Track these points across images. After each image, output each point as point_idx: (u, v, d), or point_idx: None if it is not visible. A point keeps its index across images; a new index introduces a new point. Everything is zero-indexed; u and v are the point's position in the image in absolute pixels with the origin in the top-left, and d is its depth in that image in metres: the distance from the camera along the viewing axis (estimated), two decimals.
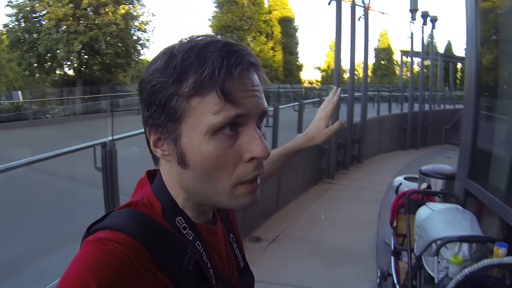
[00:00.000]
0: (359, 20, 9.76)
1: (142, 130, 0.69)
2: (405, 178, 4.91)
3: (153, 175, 0.74)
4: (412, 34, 14.51)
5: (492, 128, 3.58)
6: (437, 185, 4.27)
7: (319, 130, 1.06)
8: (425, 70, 16.55)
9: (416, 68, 23.58)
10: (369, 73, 40.15)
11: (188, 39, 0.63)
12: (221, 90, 0.58)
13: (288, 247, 4.61)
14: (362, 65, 11.45)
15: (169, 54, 0.61)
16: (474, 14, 3.47)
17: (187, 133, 0.62)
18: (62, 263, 0.70)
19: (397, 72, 37.03)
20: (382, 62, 42.58)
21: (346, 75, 13.92)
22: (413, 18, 14.05)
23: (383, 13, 15.70)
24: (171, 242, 0.65)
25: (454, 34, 74.27)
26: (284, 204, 5.98)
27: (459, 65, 28.34)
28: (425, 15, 14.71)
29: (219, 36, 0.64)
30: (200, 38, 0.62)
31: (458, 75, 31.24)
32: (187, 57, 0.59)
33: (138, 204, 0.68)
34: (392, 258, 3.33)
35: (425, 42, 15.75)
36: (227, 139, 0.61)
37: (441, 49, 39.50)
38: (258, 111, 0.63)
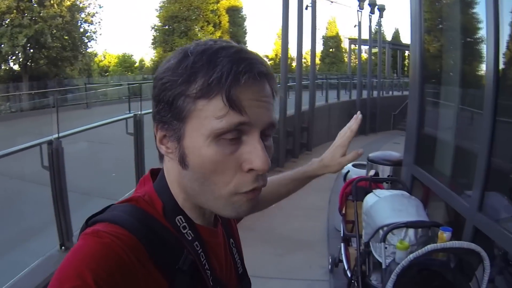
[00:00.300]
0: (306, 9, 9.79)
1: (90, 125, 0.66)
2: (353, 165, 4.95)
3: (156, 174, 0.74)
4: (359, 22, 14.81)
5: (437, 115, 3.68)
6: (385, 171, 4.34)
7: (334, 158, 1.02)
8: (373, 58, 16.96)
9: (364, 55, 24.15)
10: (318, 61, 40.73)
11: (204, 42, 0.63)
12: (226, 95, 0.57)
13: None
14: (310, 53, 11.53)
15: (183, 54, 0.61)
16: (418, 3, 3.53)
17: (190, 134, 0.61)
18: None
19: (346, 60, 37.79)
20: (331, 50, 43.07)
21: (294, 63, 13.95)
22: (361, 7, 14.34)
23: (331, 2, 15.77)
24: (169, 240, 0.65)
25: (401, 22, 76.75)
26: None
27: (406, 53, 29.34)
28: (372, 4, 15.06)
29: (234, 43, 0.63)
30: (215, 42, 0.62)
31: (406, 62, 32.28)
32: (198, 59, 0.59)
33: (139, 200, 0.68)
34: (342, 244, 3.36)
35: (373, 30, 16.14)
36: (228, 145, 0.60)
37: (389, 37, 40.82)
38: (264, 122, 0.62)
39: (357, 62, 16.77)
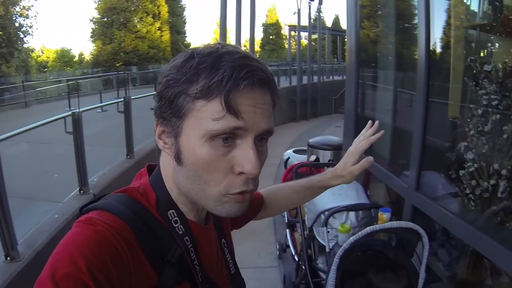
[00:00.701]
0: None
1: (26, 127, 0.55)
2: (294, 151, 5.01)
3: (152, 169, 0.75)
4: (299, 9, 14.94)
5: (374, 98, 3.77)
6: (325, 156, 4.40)
7: (346, 167, 0.98)
8: (313, 44, 17.18)
9: (305, 42, 24.49)
10: (258, 48, 40.80)
11: (213, 44, 0.64)
12: (225, 99, 0.58)
13: None
14: (249, 41, 11.47)
15: (189, 54, 0.63)
16: None
17: (187, 132, 0.63)
18: None
19: (286, 47, 38.10)
20: (271, 37, 43.25)
21: None
22: None
23: None
24: (159, 232, 0.67)
25: (341, 8, 78.80)
26: None
27: (346, 38, 30.17)
28: None
29: (241, 49, 0.65)
30: (223, 46, 0.63)
31: (346, 48, 33.26)
32: (203, 61, 0.60)
33: (133, 191, 0.70)
34: (288, 230, 3.38)
35: (313, 17, 16.35)
36: (221, 147, 0.62)
37: (329, 23, 41.65)
38: (259, 128, 0.63)
39: (297, 48, 16.91)
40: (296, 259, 3.00)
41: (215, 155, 0.61)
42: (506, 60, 1.98)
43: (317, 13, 17.17)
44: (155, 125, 0.68)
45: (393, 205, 2.67)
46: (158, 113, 0.66)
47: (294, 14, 15.45)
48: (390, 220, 2.15)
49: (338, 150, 4.19)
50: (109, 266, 0.56)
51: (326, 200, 2.53)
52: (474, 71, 2.10)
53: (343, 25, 33.82)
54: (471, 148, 2.06)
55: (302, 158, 4.66)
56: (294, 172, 3.10)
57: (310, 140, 4.50)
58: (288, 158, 4.39)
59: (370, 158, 0.95)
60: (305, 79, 14.91)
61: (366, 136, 1.00)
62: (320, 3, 16.07)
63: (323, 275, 2.43)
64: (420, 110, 2.34)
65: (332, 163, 3.74)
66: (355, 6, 3.61)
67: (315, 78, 15.96)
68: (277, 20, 43.46)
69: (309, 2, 15.27)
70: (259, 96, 0.62)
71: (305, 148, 4.97)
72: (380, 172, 2.94)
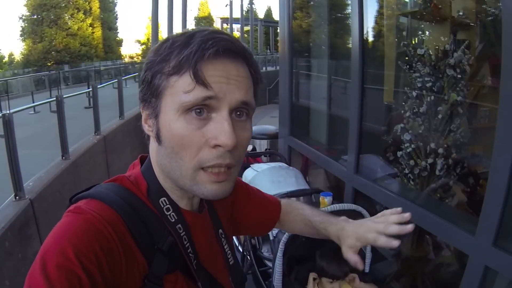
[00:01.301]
0: None
1: None
2: None
3: (145, 160, 0.75)
4: (231, 1, 14.86)
5: (309, 86, 3.81)
6: (262, 145, 4.40)
7: (347, 241, 0.83)
8: (246, 36, 17.21)
9: (237, 34, 24.61)
10: None
11: (186, 30, 0.64)
12: (193, 71, 0.59)
13: None
14: None
15: (167, 38, 0.65)
16: None
17: (164, 110, 0.63)
18: None
19: None
20: None
21: None
22: None
23: None
24: (150, 220, 0.66)
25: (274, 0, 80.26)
26: None
27: (279, 29, 30.68)
28: None
29: (218, 29, 0.66)
30: (199, 28, 0.64)
31: (279, 38, 33.83)
32: (176, 41, 0.62)
33: (124, 180, 0.70)
34: None
35: (245, 9, 16.37)
36: (195, 120, 0.61)
37: (261, 14, 42.03)
38: (233, 99, 0.62)
39: None
40: (240, 249, 2.94)
41: (189, 128, 0.61)
42: (439, 44, 2.06)
43: (249, 5, 17.27)
44: (141, 110, 0.69)
45: (333, 189, 2.70)
46: (141, 97, 0.67)
47: (226, 6, 15.38)
48: (332, 203, 2.16)
49: (274, 139, 4.19)
50: (99, 254, 0.56)
51: (265, 188, 2.47)
52: (407, 57, 2.17)
53: (276, 16, 34.50)
54: (408, 130, 2.13)
55: None
56: None
57: None
58: None
59: (359, 263, 0.80)
60: None
61: (385, 224, 0.77)
62: None
63: (269, 263, 2.39)
64: (355, 96, 2.39)
65: (270, 151, 3.74)
66: None
67: None
68: (209, 13, 43.28)
69: None
70: (231, 67, 0.62)
71: None
72: (319, 158, 2.97)
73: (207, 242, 0.77)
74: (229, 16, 15.63)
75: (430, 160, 2.05)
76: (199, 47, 0.59)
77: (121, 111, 6.98)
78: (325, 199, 2.21)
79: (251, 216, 0.97)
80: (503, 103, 1.41)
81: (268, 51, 30.48)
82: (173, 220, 0.70)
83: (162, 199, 0.70)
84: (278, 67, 18.50)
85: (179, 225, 0.70)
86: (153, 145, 0.70)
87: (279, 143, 3.88)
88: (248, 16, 16.88)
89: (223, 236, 0.83)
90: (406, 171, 2.13)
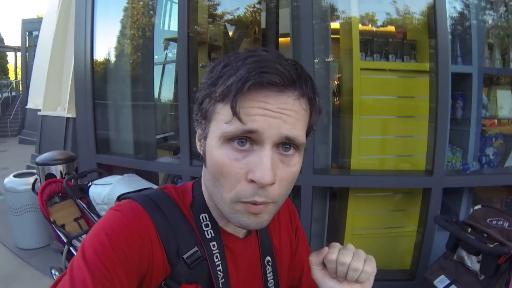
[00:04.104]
0: None
1: None
2: (14, 176, 4.65)
3: None
4: None
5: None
6: (58, 169, 4.34)
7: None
8: None
9: None
10: None
11: (249, 49, 0.64)
12: (231, 103, 0.58)
13: None
14: None
15: (220, 60, 0.64)
16: None
17: (210, 135, 0.64)
18: None
19: None
20: None
21: None
22: None
23: None
24: (181, 230, 0.70)
25: None
26: None
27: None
28: None
29: (274, 51, 0.64)
30: (255, 51, 0.63)
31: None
32: (227, 65, 0.61)
33: (171, 189, 0.76)
34: (70, 248, 3.07)
35: None
36: (235, 151, 0.61)
37: None
38: (276, 134, 0.60)
39: None
40: None
41: (228, 158, 0.61)
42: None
43: None
44: (195, 126, 0.71)
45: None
46: (194, 115, 0.69)
47: None
48: None
49: (71, 162, 4.26)
50: (130, 245, 0.63)
51: (120, 189, 2.75)
52: None
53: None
54: None
55: (26, 181, 4.42)
56: (66, 187, 3.12)
57: (38, 159, 4.30)
58: (35, 181, 4.09)
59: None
60: None
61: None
62: None
63: None
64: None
65: (97, 170, 3.74)
66: None
67: None
68: None
69: None
70: (277, 99, 0.59)
71: (23, 171, 4.73)
72: (135, 163, 3.52)
73: (245, 268, 0.77)
74: None
75: None
76: (242, 78, 0.57)
77: None
78: None
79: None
80: None
81: None
82: (209, 237, 0.71)
83: (203, 215, 0.73)
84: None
85: (214, 243, 0.71)
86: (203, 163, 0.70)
87: (80, 163, 4.01)
88: None
89: (269, 264, 0.81)
90: None
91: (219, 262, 0.71)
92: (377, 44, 2.85)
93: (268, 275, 0.81)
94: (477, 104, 2.80)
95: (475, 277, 2.05)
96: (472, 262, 2.09)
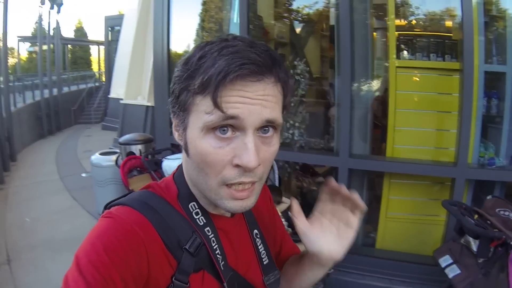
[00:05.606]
0: None
1: None
2: (101, 154, 5.42)
3: None
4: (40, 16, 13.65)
5: None
6: (137, 149, 4.98)
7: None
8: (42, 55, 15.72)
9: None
10: None
11: (220, 39, 0.65)
12: (212, 95, 0.60)
13: (29, 262, 4.09)
14: None
15: (194, 50, 0.65)
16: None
17: (190, 126, 0.66)
18: None
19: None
20: None
21: None
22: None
23: None
24: (179, 223, 0.71)
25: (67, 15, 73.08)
26: None
27: (69, 46, 28.37)
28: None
29: (247, 38, 0.65)
30: (226, 40, 0.64)
31: (69, 56, 30.93)
32: (203, 57, 0.62)
33: (155, 187, 0.76)
34: None
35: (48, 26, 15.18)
36: (219, 139, 0.63)
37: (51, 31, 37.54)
38: (258, 119, 0.62)
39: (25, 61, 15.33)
40: None
41: (213, 147, 0.63)
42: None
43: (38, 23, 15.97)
44: (171, 118, 0.71)
45: None
46: (170, 107, 0.69)
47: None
48: None
49: (148, 143, 4.88)
50: (127, 251, 0.61)
51: None
52: None
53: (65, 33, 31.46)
54: None
55: (110, 158, 5.15)
56: (144, 161, 3.63)
57: (121, 139, 4.96)
58: (118, 157, 4.79)
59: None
60: (38, 94, 13.93)
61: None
62: (58, 11, 15.10)
63: None
64: None
65: (170, 148, 4.32)
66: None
67: (54, 91, 15.03)
68: None
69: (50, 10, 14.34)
70: (257, 87, 0.61)
71: (107, 150, 5.53)
72: None
73: (238, 244, 0.80)
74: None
75: (291, 131, 3.43)
76: (222, 70, 0.58)
77: None
78: None
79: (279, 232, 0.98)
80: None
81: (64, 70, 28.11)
82: (202, 224, 0.73)
83: (191, 204, 0.73)
84: (81, 86, 17.63)
85: (208, 228, 0.73)
86: (184, 153, 0.71)
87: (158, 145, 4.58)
88: (50, 34, 15.55)
89: (258, 236, 0.84)
90: None
91: (216, 245, 0.73)
92: (417, 43, 3.11)
93: (259, 246, 0.84)
94: (510, 102, 2.92)
95: (475, 260, 2.18)
96: (475, 246, 2.23)
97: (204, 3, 4.19)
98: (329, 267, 0.81)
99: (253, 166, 0.62)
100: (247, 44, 0.62)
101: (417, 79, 3.12)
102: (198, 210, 0.74)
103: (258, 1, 3.73)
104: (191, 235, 0.71)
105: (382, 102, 3.28)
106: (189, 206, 0.73)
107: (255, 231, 0.84)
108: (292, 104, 3.41)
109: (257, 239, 0.84)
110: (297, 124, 3.43)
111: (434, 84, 3.09)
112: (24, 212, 5.62)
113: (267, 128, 0.65)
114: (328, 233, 0.75)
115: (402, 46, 3.13)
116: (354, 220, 0.75)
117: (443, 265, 2.29)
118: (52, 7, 14.70)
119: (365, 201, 3.17)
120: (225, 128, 0.62)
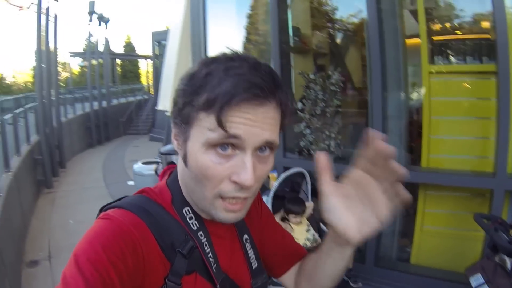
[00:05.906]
0: None
1: None
2: (143, 163, 5.64)
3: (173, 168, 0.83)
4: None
5: None
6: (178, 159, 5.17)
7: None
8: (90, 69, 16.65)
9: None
10: (31, 78, 36.53)
11: (225, 56, 0.67)
12: (217, 116, 0.61)
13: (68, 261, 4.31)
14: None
15: (199, 66, 0.66)
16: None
17: (192, 139, 0.67)
18: None
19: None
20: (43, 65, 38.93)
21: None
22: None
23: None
24: (173, 226, 0.73)
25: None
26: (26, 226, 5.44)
27: (118, 61, 29.93)
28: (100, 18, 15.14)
29: (252, 58, 0.67)
30: (232, 59, 0.66)
31: (118, 69, 32.53)
32: (209, 75, 0.64)
33: (149, 192, 0.77)
34: None
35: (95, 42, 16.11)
36: (219, 156, 0.65)
37: (100, 47, 39.85)
38: (258, 140, 0.65)
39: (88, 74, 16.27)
40: None
41: (213, 162, 0.65)
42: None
43: (90, 39, 16.99)
44: (172, 126, 0.72)
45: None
46: (172, 117, 0.71)
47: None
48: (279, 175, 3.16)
49: None
50: (124, 250, 0.63)
51: None
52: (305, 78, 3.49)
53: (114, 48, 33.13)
54: (309, 126, 3.43)
55: (151, 167, 5.35)
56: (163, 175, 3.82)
57: (161, 150, 5.21)
58: (157, 166, 5.01)
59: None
60: (94, 105, 14.69)
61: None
62: (106, 28, 16.04)
63: None
64: None
65: None
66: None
67: (103, 103, 15.80)
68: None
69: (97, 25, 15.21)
70: (260, 110, 0.63)
71: (150, 159, 5.73)
72: None
73: (229, 249, 0.82)
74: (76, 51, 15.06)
75: (327, 142, 3.40)
76: (228, 92, 0.60)
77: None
78: (274, 174, 3.30)
79: (276, 237, 0.97)
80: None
81: (114, 83, 29.58)
82: (195, 228, 0.75)
83: (185, 208, 0.76)
84: (130, 99, 18.47)
85: (201, 232, 0.75)
86: (181, 161, 0.73)
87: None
88: (96, 49, 16.48)
89: (247, 241, 0.86)
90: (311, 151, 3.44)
91: (209, 249, 0.75)
92: (451, 47, 3.03)
93: (248, 251, 0.86)
94: None
95: (509, 280, 1.98)
96: (510, 265, 2.04)
97: (249, 16, 4.31)
98: (349, 254, 0.77)
99: (249, 185, 0.64)
100: (252, 66, 0.64)
101: (452, 84, 3.01)
102: (192, 215, 0.76)
103: (294, 13, 3.78)
104: (184, 238, 0.72)
105: (418, 110, 3.19)
106: (184, 211, 0.75)
107: (245, 236, 0.86)
108: (328, 115, 3.39)
109: (247, 244, 0.86)
110: (333, 135, 3.41)
111: (471, 89, 2.96)
112: (69, 215, 6.00)
113: (264, 148, 0.67)
114: (351, 209, 0.66)
115: (435, 50, 3.05)
116: (384, 211, 0.64)
117: (473, 284, 2.11)
118: (99, 24, 15.56)
119: (400, 214, 3.06)
120: (226, 146, 0.64)
